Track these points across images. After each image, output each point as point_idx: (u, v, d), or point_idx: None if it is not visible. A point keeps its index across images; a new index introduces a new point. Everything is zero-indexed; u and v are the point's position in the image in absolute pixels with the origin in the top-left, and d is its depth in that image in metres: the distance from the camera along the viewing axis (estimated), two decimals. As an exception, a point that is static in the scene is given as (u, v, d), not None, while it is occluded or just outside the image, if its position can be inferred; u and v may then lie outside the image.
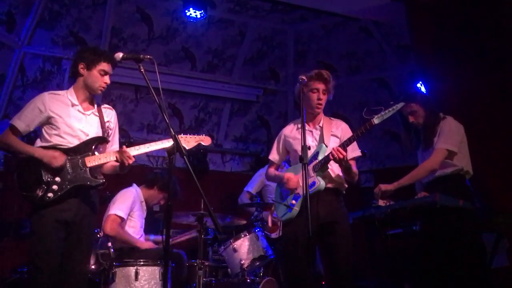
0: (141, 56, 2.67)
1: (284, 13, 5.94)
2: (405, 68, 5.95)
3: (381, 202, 3.40)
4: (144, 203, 4.40)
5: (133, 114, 6.12)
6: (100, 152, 3.05)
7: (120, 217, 4.06)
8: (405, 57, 5.93)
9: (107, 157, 2.99)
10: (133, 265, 3.51)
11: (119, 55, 2.75)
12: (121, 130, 4.28)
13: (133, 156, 2.97)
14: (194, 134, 3.21)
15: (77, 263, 2.93)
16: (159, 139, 6.58)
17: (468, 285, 3.23)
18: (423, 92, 4.64)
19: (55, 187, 2.86)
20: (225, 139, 6.75)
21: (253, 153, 6.83)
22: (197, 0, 5.20)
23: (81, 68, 3.05)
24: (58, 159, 2.87)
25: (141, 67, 2.65)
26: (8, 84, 5.37)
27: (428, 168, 3.42)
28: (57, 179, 2.87)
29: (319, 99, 3.29)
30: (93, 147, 3.00)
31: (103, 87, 3.08)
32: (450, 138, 3.41)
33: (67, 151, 2.94)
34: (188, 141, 3.15)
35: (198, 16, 5.24)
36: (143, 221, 4.37)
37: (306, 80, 3.17)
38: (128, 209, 4.14)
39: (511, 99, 4.35)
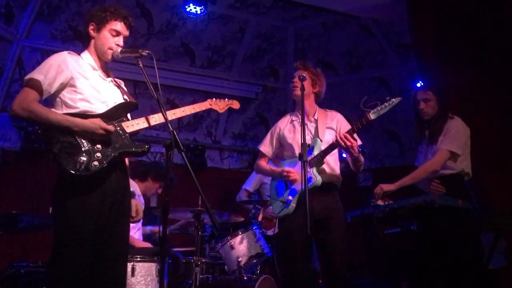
0: (140, 51, 2.62)
1: (284, 10, 5.92)
2: (405, 67, 5.94)
3: (379, 201, 3.38)
4: (141, 197, 4.39)
5: (131, 109, 6.09)
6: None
7: None
8: (405, 56, 5.91)
9: (144, 122, 2.65)
10: (129, 261, 3.48)
11: (118, 49, 2.68)
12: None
13: None
14: (224, 99, 3.12)
15: (114, 262, 2.52)
16: (157, 135, 6.57)
17: (465, 285, 3.22)
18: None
19: (98, 155, 2.45)
20: (224, 135, 6.74)
21: (252, 150, 6.81)
22: (198, -5, 5.18)
23: (91, 29, 2.68)
24: (105, 126, 2.46)
25: (140, 62, 2.61)
26: (6, 77, 5.34)
27: (430, 169, 3.39)
28: (99, 146, 2.47)
29: (294, 87, 3.32)
30: (127, 112, 2.70)
31: (112, 50, 2.65)
32: (456, 140, 3.37)
33: (100, 118, 2.54)
34: (219, 105, 3.06)
35: (198, 12, 5.21)
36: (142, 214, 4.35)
37: (306, 78, 3.16)
38: None
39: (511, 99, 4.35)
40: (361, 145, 3.33)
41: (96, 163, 2.44)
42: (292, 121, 3.41)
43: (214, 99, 3.07)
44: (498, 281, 3.94)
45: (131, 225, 4.08)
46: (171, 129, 2.41)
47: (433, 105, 3.44)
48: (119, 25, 2.68)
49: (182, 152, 2.37)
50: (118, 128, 2.59)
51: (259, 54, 6.38)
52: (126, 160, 2.78)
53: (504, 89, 4.37)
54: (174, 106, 6.31)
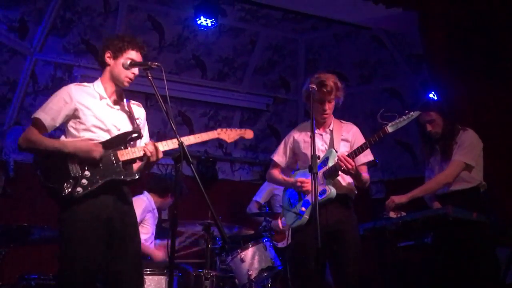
0: (149, 63, 2.65)
1: (295, 22, 5.92)
2: (417, 78, 5.89)
3: (392, 214, 3.34)
4: (155, 210, 4.40)
5: (143, 122, 6.12)
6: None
7: None
8: (417, 67, 5.86)
9: (140, 151, 2.69)
10: (139, 274, 3.47)
11: (127, 62, 2.73)
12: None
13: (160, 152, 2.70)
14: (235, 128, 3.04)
15: (127, 276, 2.59)
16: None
17: (481, 300, 3.15)
18: (441, 101, 4.57)
19: (84, 181, 2.55)
20: (235, 147, 6.72)
21: (263, 162, 6.78)
22: (208, 8, 5.20)
23: (108, 57, 2.77)
24: (97, 149, 2.57)
25: (149, 75, 2.63)
26: (19, 90, 5.40)
27: (443, 181, 3.35)
28: (87, 173, 2.58)
29: (323, 109, 3.24)
30: (127, 141, 2.74)
31: (130, 79, 2.78)
32: (470, 152, 3.34)
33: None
34: (229, 134, 2.97)
35: (209, 24, 5.23)
36: (155, 228, 4.36)
37: (316, 89, 3.12)
38: (139, 217, 4.12)
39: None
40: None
41: (79, 189, 2.54)
42: (307, 131, 3.38)
43: (225, 128, 3.00)
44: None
45: (144, 237, 4.13)
46: (180, 141, 2.42)
47: (439, 123, 3.46)
48: (135, 55, 2.78)
49: (191, 165, 2.37)
50: (112, 156, 2.66)
51: (270, 66, 6.38)
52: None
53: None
54: (185, 118, 6.34)
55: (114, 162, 2.65)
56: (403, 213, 3.31)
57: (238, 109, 6.51)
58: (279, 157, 3.46)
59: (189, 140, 2.79)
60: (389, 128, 3.00)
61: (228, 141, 2.99)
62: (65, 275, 2.51)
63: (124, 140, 2.74)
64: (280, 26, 5.99)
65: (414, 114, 3.02)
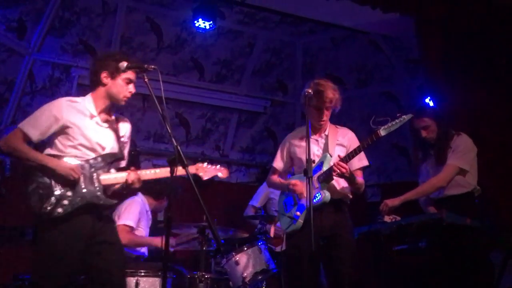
0: (145, 66, 2.67)
1: (293, 25, 5.94)
2: (414, 82, 5.91)
3: (387, 218, 3.36)
4: (149, 213, 4.39)
5: (140, 123, 6.12)
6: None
7: (129, 226, 4.05)
8: (414, 71, 5.88)
9: (122, 177, 2.79)
10: (133, 276, 3.47)
11: (123, 64, 2.74)
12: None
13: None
14: (212, 165, 3.01)
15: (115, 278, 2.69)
16: (165, 149, 6.59)
17: (474, 305, 3.16)
18: (435, 106, 4.59)
19: (65, 202, 2.63)
20: (232, 149, 6.73)
21: (260, 164, 6.79)
22: (207, 11, 5.21)
23: (104, 77, 2.79)
24: (76, 171, 2.64)
25: (145, 77, 2.64)
26: (17, 90, 5.40)
27: (437, 184, 3.37)
28: (69, 193, 2.65)
29: (320, 117, 3.24)
30: (109, 163, 2.81)
31: (127, 97, 2.84)
32: (464, 156, 3.36)
33: (81, 165, 2.72)
34: (206, 171, 2.97)
35: (207, 27, 5.24)
36: (148, 230, 4.35)
37: (312, 93, 3.13)
38: (136, 217, 4.13)
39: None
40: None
41: (60, 209, 2.61)
42: (303, 136, 3.40)
43: (204, 164, 2.98)
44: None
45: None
46: (175, 144, 2.43)
47: (433, 129, 3.48)
48: (131, 74, 2.81)
49: (186, 168, 2.38)
50: (95, 177, 2.72)
51: (267, 68, 6.39)
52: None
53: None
54: (182, 120, 6.34)
55: (96, 185, 2.72)
56: (398, 218, 3.32)
57: (235, 111, 6.52)
58: (278, 162, 3.50)
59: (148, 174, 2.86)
60: (382, 132, 3.01)
61: (203, 178, 2.94)
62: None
63: (108, 161, 2.81)
64: (278, 29, 6.01)
65: (406, 117, 3.04)
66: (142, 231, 4.24)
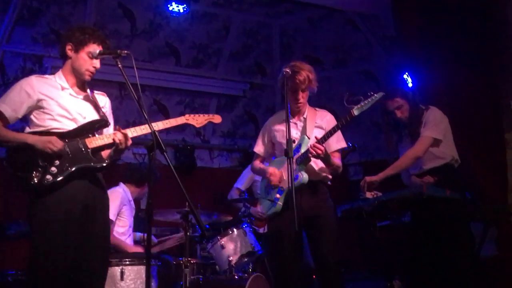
0: (118, 51, 2.60)
1: (268, 6, 5.88)
2: (392, 60, 5.92)
3: (368, 195, 3.37)
4: (132, 202, 4.35)
5: (117, 111, 6.01)
6: None
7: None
8: (391, 49, 5.90)
9: (109, 138, 2.67)
10: (118, 265, 3.45)
11: (96, 51, 2.68)
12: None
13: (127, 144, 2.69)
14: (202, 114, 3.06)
15: (95, 267, 2.62)
16: (145, 137, 6.52)
17: (457, 274, 3.22)
18: (405, 86, 4.62)
19: (53, 169, 2.53)
20: (213, 135, 6.69)
21: (241, 148, 6.77)
22: (180, -6, 5.13)
23: (69, 49, 2.73)
24: (55, 143, 2.54)
25: (119, 63, 2.58)
26: (-12, 83, 5.27)
27: (412, 155, 3.40)
28: (56, 161, 2.55)
29: (297, 99, 3.24)
30: (94, 129, 2.73)
31: (91, 72, 2.74)
32: (435, 126, 3.40)
33: (64, 135, 2.63)
34: (197, 119, 3.00)
35: (181, 10, 5.16)
36: (132, 219, 4.32)
37: (290, 73, 3.11)
38: (116, 209, 4.07)
39: (498, 88, 4.35)
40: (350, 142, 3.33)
41: (49, 177, 2.53)
42: (282, 120, 3.38)
43: (193, 114, 3.03)
44: (489, 270, 3.94)
45: (122, 230, 4.10)
46: (152, 129, 2.39)
47: (406, 108, 3.50)
48: (96, 48, 2.72)
49: (165, 153, 2.35)
50: (81, 144, 2.65)
51: (245, 51, 6.33)
52: None
53: (491, 78, 4.37)
54: (160, 106, 6.27)
55: (83, 149, 2.64)
56: (380, 194, 3.35)
57: (214, 96, 6.46)
58: (259, 147, 3.50)
59: (157, 126, 2.78)
60: (355, 111, 3.04)
61: (197, 125, 3.01)
62: (37, 270, 2.51)
63: (91, 128, 2.73)
64: (253, 11, 5.95)
65: (377, 96, 3.07)
66: (126, 221, 4.20)
